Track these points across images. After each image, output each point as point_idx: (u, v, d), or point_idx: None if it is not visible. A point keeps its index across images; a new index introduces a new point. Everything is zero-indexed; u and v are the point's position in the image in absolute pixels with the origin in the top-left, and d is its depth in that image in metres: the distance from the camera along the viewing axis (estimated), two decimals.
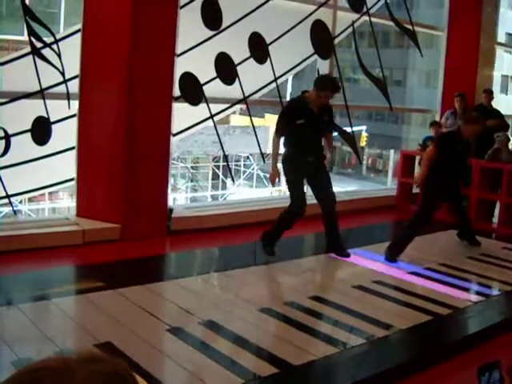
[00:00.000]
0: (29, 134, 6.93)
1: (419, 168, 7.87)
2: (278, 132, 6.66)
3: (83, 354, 0.83)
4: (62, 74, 6.89)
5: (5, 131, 6.77)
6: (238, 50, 8.12)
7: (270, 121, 23.59)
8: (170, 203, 8.00)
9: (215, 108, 8.21)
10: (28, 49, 6.85)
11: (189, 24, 7.48)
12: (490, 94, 10.28)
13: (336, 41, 9.49)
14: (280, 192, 22.45)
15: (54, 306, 4.97)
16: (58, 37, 7.03)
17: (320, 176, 6.81)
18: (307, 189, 7.38)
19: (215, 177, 24.12)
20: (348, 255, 6.93)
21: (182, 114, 7.77)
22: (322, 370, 4.34)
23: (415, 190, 10.03)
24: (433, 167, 6.95)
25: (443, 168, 6.94)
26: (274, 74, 8.56)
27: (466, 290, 6.12)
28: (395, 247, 6.98)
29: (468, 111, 7.36)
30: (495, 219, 9.10)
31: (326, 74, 7.87)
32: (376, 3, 9.89)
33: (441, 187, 7.02)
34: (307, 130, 6.54)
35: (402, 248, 6.97)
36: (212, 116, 8.13)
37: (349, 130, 9.84)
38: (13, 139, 6.81)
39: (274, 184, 7.26)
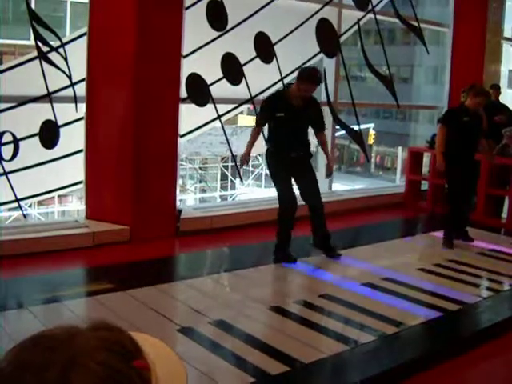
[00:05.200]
0: (37, 138, 6.96)
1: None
2: (257, 123, 6.70)
3: (92, 322, 0.84)
4: (69, 77, 6.92)
5: (13, 135, 6.81)
6: (244, 50, 8.13)
7: None
8: (179, 204, 8.01)
9: (222, 108, 8.23)
10: (35, 53, 6.89)
11: (194, 25, 7.51)
12: (497, 89, 10.24)
13: (342, 39, 9.49)
14: None
15: (64, 308, 5.00)
16: (64, 40, 7.06)
17: (306, 176, 6.57)
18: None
19: (224, 177, 24.11)
20: (339, 256, 6.69)
21: (190, 115, 7.79)
22: (333, 367, 4.35)
23: (423, 186, 10.06)
24: (447, 145, 7.19)
25: (455, 141, 7.15)
26: (281, 74, 8.56)
27: (476, 285, 6.12)
28: (448, 234, 7.39)
29: (474, 88, 7.39)
30: (504, 215, 9.07)
31: (311, 66, 7.48)
32: (381, 1, 9.87)
33: (457, 160, 7.19)
34: (287, 124, 6.33)
35: (452, 234, 7.40)
36: (219, 116, 8.14)
37: (356, 127, 9.82)
38: (21, 143, 6.84)
39: (242, 165, 7.29)
